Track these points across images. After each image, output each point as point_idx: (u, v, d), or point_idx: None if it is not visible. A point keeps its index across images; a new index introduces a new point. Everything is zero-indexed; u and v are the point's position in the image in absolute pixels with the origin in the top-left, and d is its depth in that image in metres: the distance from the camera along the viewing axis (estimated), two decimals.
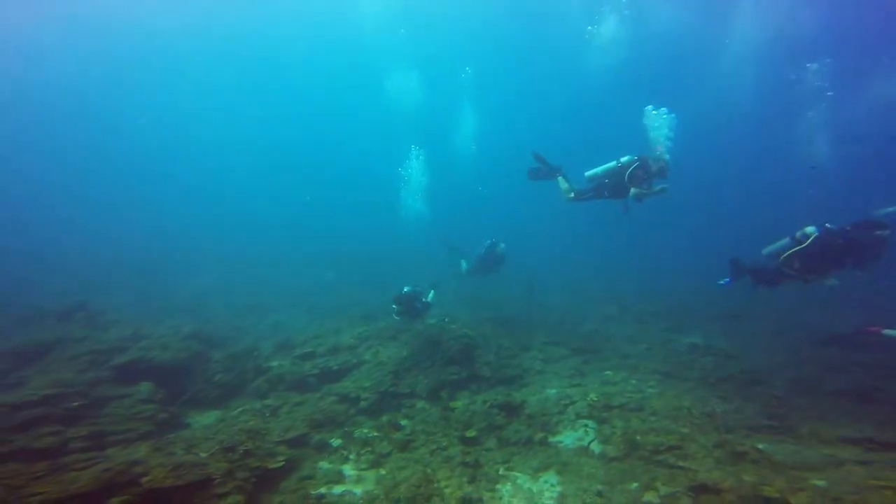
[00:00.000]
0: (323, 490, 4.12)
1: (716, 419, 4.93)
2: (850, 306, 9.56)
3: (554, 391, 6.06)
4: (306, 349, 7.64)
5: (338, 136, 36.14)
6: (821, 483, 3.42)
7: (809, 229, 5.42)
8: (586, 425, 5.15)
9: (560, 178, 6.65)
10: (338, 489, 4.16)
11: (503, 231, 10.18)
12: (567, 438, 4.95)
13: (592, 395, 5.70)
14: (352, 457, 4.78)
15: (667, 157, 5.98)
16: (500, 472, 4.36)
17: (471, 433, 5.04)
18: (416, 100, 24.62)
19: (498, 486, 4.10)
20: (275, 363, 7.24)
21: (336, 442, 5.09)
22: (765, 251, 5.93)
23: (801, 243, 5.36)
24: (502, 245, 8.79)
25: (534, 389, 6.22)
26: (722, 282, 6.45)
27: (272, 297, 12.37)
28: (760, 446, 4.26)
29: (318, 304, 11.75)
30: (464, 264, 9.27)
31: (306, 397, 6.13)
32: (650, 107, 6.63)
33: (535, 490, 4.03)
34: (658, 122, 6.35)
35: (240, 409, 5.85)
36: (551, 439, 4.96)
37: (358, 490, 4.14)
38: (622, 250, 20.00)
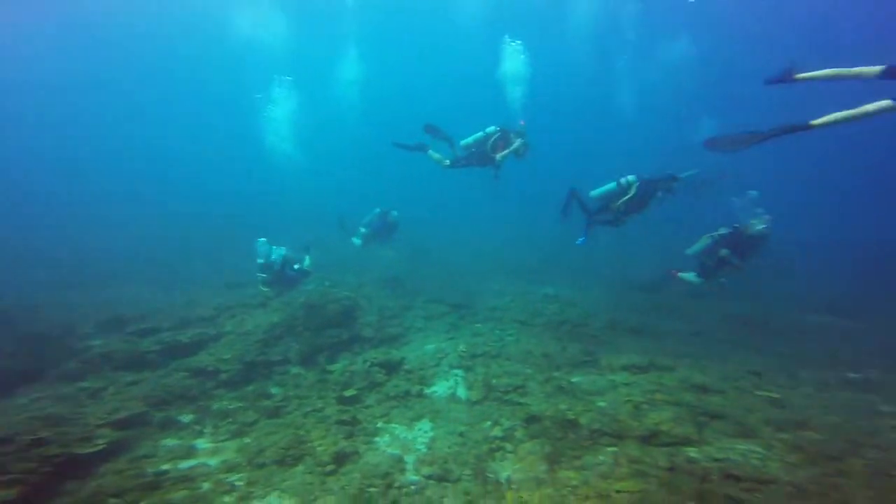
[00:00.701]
0: (166, 466, 4.04)
1: (551, 359, 6.39)
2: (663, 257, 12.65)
3: (432, 346, 6.86)
4: (146, 324, 6.85)
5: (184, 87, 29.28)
6: (602, 404, 4.88)
7: (631, 178, 6.97)
8: (456, 375, 6.08)
9: (430, 152, 7.01)
10: (186, 464, 4.13)
11: (394, 192, 10.20)
12: (440, 388, 5.81)
13: (462, 347, 6.67)
14: (207, 430, 4.73)
15: (525, 132, 6.84)
16: (379, 425, 4.93)
17: (350, 392, 5.45)
18: (277, 34, 20.86)
19: (376, 439, 4.67)
20: (98, 342, 6.33)
21: (187, 418, 4.94)
22: (592, 193, 7.33)
23: (626, 190, 6.93)
24: (394, 213, 8.84)
25: (414, 346, 6.93)
26: (579, 241, 7.91)
27: (109, 266, 10.26)
28: (574, 380, 5.74)
29: (170, 273, 10.25)
30: (356, 241, 9.11)
31: (143, 376, 5.63)
32: (507, 36, 7.28)
33: (409, 438, 4.73)
34: (516, 83, 7.12)
35: (34, 397, 5.12)
36: (426, 391, 5.75)
37: (213, 461, 4.18)
38: (501, 210, 21.68)
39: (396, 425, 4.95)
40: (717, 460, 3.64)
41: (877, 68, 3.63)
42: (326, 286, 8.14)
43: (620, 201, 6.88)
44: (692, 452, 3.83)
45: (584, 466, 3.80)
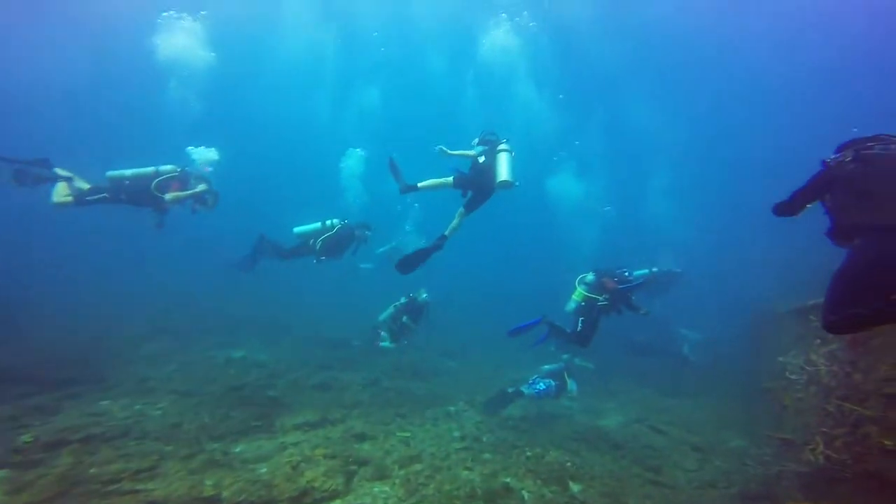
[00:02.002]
0: None
1: (208, 429, 5.17)
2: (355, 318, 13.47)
3: None
4: None
5: None
6: (264, 470, 4.28)
7: (336, 221, 7.39)
8: None
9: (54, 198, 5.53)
10: None
11: None
12: None
13: (27, 437, 4.33)
14: None
15: (211, 181, 6.45)
16: None
17: None
18: None
19: None
20: None
21: None
22: (296, 230, 7.36)
23: (329, 230, 7.21)
24: None
25: None
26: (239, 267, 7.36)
27: None
28: (237, 449, 4.84)
29: None
30: None
31: None
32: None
33: None
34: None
35: None
36: None
37: None
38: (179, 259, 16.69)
39: None
40: None
41: (450, 178, 5.93)
42: None
43: (319, 239, 7.26)
44: None
45: None
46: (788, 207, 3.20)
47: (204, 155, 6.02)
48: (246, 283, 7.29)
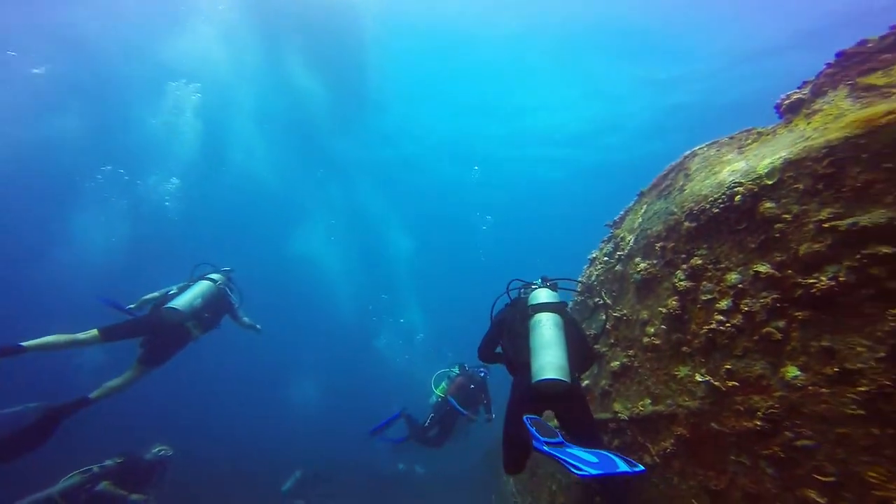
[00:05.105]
0: None
1: None
2: None
3: None
4: None
5: None
6: None
7: None
8: None
9: None
10: None
11: None
12: None
13: None
14: None
15: None
16: None
17: None
18: None
19: None
20: None
21: None
22: None
23: None
24: None
25: None
26: None
27: None
28: None
29: None
30: None
31: None
32: None
33: None
34: None
35: None
36: None
37: None
38: None
39: None
40: None
41: (94, 331, 4.24)
42: None
43: None
44: None
45: None
46: (486, 352, 3.27)
47: None
48: None
